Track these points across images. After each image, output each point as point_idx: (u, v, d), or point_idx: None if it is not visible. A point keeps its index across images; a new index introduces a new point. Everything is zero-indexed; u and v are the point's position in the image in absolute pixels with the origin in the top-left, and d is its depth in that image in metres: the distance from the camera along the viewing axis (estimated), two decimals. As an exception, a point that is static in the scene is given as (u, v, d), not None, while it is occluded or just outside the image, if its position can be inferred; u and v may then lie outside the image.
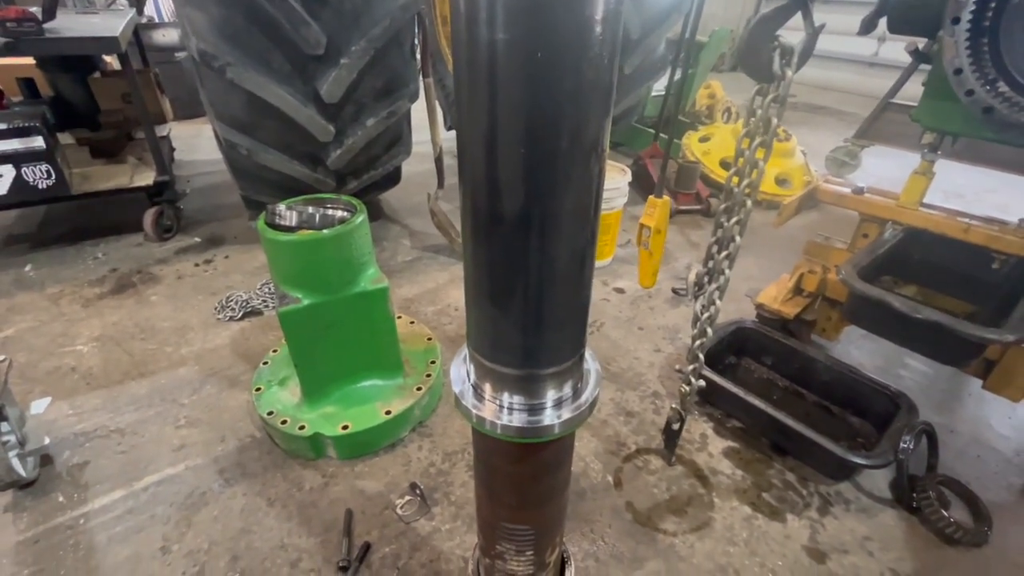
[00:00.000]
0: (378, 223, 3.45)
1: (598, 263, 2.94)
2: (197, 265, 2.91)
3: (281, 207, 1.61)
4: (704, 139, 4.14)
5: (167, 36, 5.08)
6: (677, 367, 2.14)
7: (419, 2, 2.32)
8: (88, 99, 3.57)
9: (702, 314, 1.42)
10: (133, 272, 2.82)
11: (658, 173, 2.00)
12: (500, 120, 0.49)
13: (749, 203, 1.31)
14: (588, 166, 0.54)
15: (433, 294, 2.70)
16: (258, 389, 1.88)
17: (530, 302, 0.61)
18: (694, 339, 1.47)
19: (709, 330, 1.45)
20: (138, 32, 3.73)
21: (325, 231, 1.56)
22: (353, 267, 1.67)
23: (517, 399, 0.71)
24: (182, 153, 4.54)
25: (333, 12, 2.15)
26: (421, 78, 2.58)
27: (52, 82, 3.51)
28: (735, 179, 1.24)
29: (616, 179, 2.74)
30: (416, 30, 2.48)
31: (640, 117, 4.37)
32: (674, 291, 2.33)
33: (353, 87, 2.34)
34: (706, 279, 1.42)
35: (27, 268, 2.82)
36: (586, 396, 0.75)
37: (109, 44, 2.33)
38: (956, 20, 1.55)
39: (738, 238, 1.37)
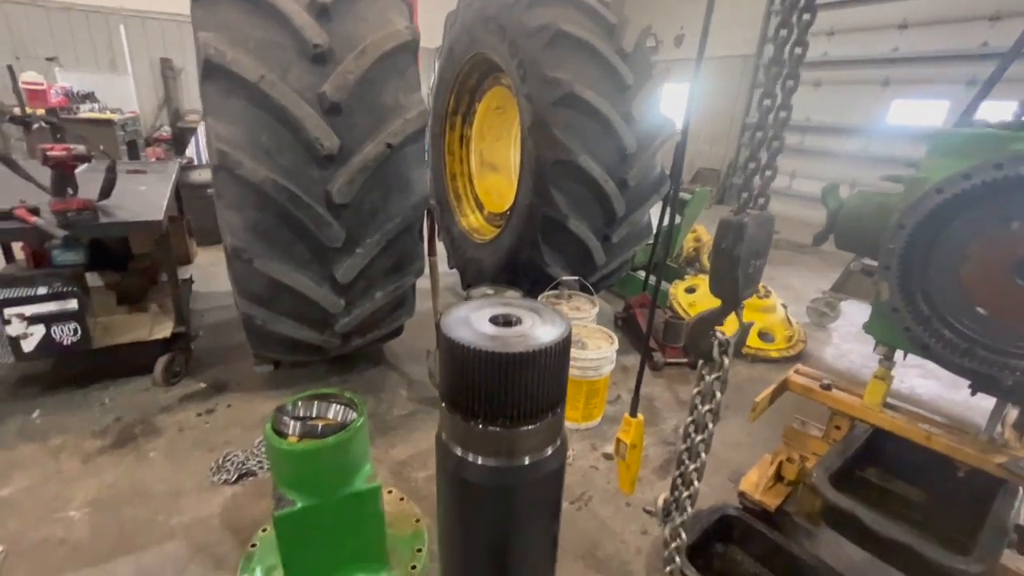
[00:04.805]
0: (377, 369, 3.60)
1: (586, 425, 3.03)
2: (199, 415, 3.00)
3: (287, 412, 1.75)
4: (690, 290, 4.41)
5: (203, 176, 5.62)
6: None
7: (428, 200, 2.65)
8: (124, 244, 3.90)
9: (672, 541, 1.50)
10: (136, 422, 2.90)
11: (647, 324, 2.19)
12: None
13: (711, 425, 1.46)
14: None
15: (426, 456, 2.76)
16: (243, 579, 1.89)
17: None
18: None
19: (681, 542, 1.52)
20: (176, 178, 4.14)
21: (328, 439, 1.68)
22: (350, 468, 1.77)
23: None
24: (200, 284, 4.82)
25: (353, 211, 2.46)
26: (427, 256, 2.87)
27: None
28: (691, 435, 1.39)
29: (603, 348, 2.92)
30: (424, 219, 2.79)
31: (631, 266, 4.69)
32: (645, 511, 2.41)
33: (365, 268, 2.60)
34: (673, 506, 1.52)
35: (35, 415, 2.92)
36: None
37: (154, 227, 2.64)
38: (887, 268, 1.79)
39: (703, 455, 1.49)
